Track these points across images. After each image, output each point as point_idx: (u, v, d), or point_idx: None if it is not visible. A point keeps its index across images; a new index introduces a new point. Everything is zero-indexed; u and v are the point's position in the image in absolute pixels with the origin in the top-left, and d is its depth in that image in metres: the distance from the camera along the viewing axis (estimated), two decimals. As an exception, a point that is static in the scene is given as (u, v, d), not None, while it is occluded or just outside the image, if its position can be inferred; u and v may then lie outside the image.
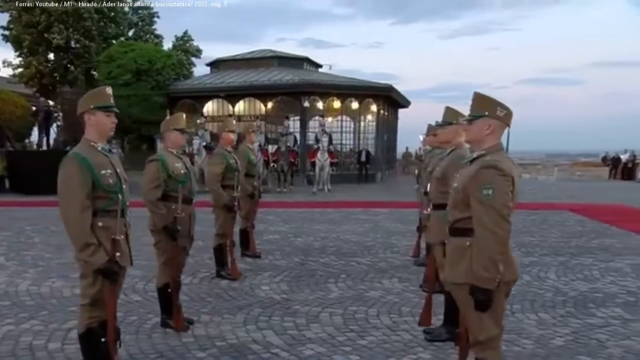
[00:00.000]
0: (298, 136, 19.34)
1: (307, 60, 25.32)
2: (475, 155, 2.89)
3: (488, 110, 2.84)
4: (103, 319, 3.31)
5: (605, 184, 24.04)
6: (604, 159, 31.21)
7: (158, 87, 20.55)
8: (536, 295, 5.49)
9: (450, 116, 4.39)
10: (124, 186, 3.33)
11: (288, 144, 16.75)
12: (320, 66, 26.58)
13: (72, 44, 26.84)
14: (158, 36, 32.44)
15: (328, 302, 5.25)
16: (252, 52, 25.79)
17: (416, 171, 8.95)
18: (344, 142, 22.15)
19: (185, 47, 31.40)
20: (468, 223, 2.81)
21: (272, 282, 5.99)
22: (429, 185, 5.70)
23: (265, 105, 20.82)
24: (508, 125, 2.89)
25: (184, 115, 5.31)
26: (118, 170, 3.32)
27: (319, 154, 16.23)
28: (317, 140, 16.79)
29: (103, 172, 3.17)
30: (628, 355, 3.97)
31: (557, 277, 6.29)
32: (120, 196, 3.27)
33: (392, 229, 9.65)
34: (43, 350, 4.03)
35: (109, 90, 3.38)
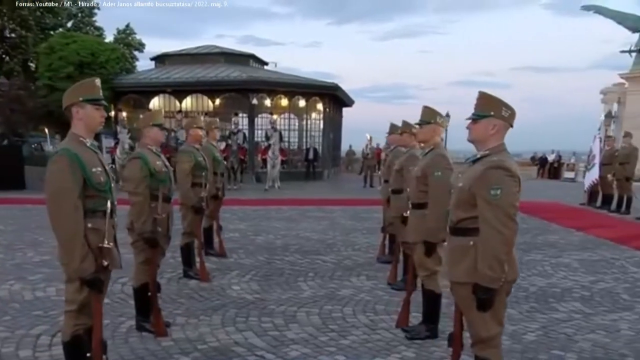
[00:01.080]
0: (247, 133, 19.11)
1: (253, 57, 25.01)
2: (479, 155, 2.88)
3: (494, 110, 2.82)
4: (89, 326, 3.13)
5: (534, 183, 25.00)
6: (533, 158, 32.49)
7: (102, 81, 19.26)
8: (500, 292, 5.61)
9: (428, 115, 4.37)
10: (112, 185, 3.15)
11: (238, 142, 16.50)
12: (267, 63, 26.32)
13: (7, 33, 25.51)
14: (98, 28, 31.32)
15: (302, 301, 5.18)
16: (198, 47, 25.20)
17: (383, 169, 8.92)
18: (290, 140, 22.05)
19: (128, 41, 30.46)
20: (471, 223, 2.80)
21: (241, 281, 5.86)
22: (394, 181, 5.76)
23: (213, 102, 20.41)
24: (511, 125, 2.89)
25: (162, 111, 5.09)
26: (107, 168, 3.14)
27: (270, 152, 16.08)
28: (268, 138, 16.62)
29: (94, 169, 2.98)
30: (597, 348, 4.11)
31: (514, 273, 6.45)
32: (109, 196, 3.09)
33: (349, 227, 9.67)
34: (14, 358, 3.77)
35: (98, 82, 3.18)
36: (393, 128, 7.05)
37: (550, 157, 29.67)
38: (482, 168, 2.77)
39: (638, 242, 8.61)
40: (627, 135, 13.03)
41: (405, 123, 5.92)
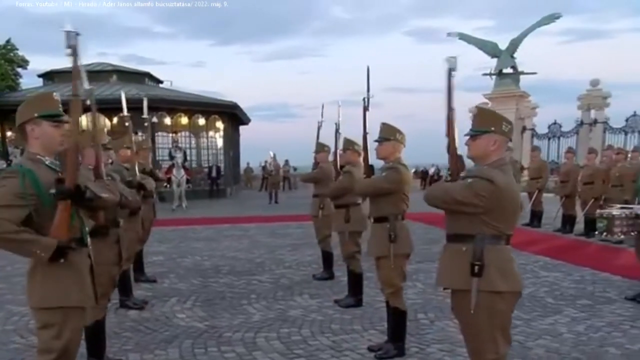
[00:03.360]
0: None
1: (149, 75, 23.93)
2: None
3: (494, 125, 2.73)
4: None
5: (421, 194, 26.12)
6: (415, 172, 34.10)
7: (-14, 99, 17.80)
8: (440, 303, 5.60)
9: (388, 132, 4.23)
10: (80, 209, 2.68)
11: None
12: (162, 82, 25.32)
13: None
14: (-27, 43, 28.26)
15: (256, 326, 4.84)
16: (90, 64, 23.55)
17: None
18: (192, 158, 21.26)
19: (9, 57, 27.73)
20: (466, 229, 2.70)
21: (184, 308, 5.40)
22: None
23: (111, 121, 19.11)
24: (510, 139, 2.84)
25: (105, 130, 4.51)
26: None
27: (174, 171, 15.34)
28: (172, 157, 15.87)
29: (52, 191, 2.50)
30: (551, 354, 4.18)
31: (444, 283, 6.53)
32: (76, 222, 2.62)
33: (271, 244, 9.38)
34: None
35: (57, 95, 2.70)
36: (319, 146, 6.95)
37: (431, 170, 31.27)
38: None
39: (534, 247, 9.13)
40: (508, 149, 13.95)
41: (347, 140, 5.81)
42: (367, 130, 4.58)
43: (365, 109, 4.47)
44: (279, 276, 6.86)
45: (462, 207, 2.65)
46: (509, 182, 2.71)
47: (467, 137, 2.83)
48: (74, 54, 2.57)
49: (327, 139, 6.51)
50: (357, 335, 4.60)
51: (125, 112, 5.25)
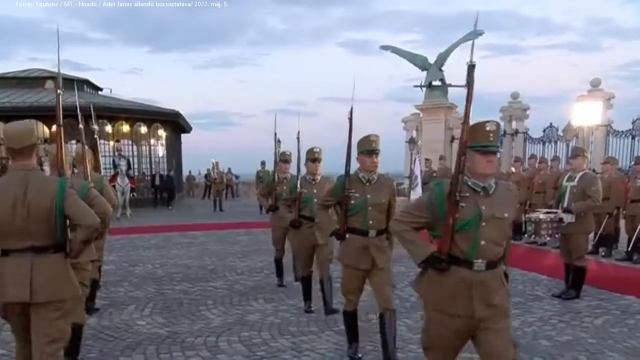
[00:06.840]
0: (88, 160, 17.52)
1: (88, 82, 23.12)
2: (493, 183, 2.64)
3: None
4: None
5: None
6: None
7: None
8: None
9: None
10: None
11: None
12: (101, 89, 24.55)
13: None
14: None
15: (217, 330, 4.89)
16: (26, 70, 22.60)
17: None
18: (134, 166, 20.70)
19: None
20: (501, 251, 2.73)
21: (143, 315, 5.36)
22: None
23: (50, 128, 18.35)
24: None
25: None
26: None
27: (118, 179, 14.94)
28: (115, 165, 15.46)
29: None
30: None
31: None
32: None
33: (221, 251, 9.36)
34: None
35: None
36: (284, 156, 7.04)
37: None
38: (512, 195, 2.72)
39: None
40: (442, 158, 14.60)
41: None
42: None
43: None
44: (232, 282, 6.90)
45: None
46: None
47: (489, 154, 2.59)
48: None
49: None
50: (314, 336, 4.74)
51: (93, 122, 5.20)
